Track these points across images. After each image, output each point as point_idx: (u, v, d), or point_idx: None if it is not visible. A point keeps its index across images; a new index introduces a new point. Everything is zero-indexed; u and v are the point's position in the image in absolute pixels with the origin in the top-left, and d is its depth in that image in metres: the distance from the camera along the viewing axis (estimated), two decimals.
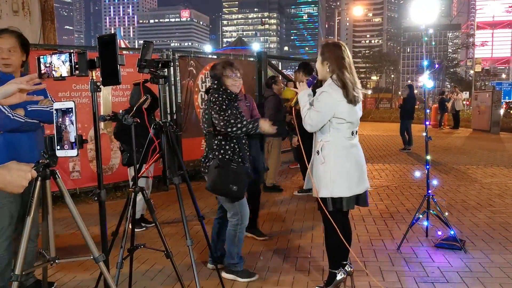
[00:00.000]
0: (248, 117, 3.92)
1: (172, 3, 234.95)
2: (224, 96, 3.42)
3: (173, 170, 2.90)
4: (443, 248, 4.25)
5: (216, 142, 3.45)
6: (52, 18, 7.82)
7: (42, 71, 1.92)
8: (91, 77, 1.97)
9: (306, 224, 5.18)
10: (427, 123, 4.49)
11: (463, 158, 10.26)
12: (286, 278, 3.68)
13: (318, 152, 3.18)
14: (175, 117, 7.50)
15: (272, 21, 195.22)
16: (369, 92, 57.04)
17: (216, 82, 3.51)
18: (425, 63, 4.58)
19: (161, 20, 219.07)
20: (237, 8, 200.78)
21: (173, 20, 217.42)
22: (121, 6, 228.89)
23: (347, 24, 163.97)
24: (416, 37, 76.12)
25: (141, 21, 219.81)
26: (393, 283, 3.54)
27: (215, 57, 10.26)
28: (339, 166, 3.10)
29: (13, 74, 2.94)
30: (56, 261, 1.97)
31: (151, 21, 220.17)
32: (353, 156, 3.16)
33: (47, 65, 1.92)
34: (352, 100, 3.07)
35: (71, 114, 1.74)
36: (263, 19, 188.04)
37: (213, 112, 3.39)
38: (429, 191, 4.44)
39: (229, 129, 3.35)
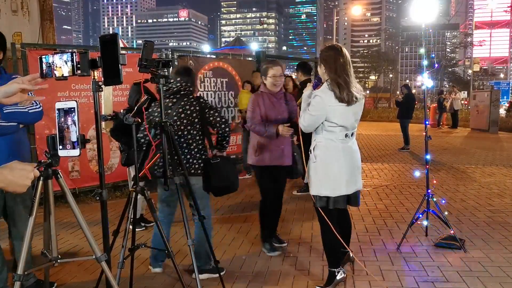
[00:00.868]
0: (285, 116, 4.05)
1: (171, 3, 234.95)
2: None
3: (174, 169, 2.90)
4: (443, 247, 4.26)
5: (200, 141, 3.55)
6: (51, 18, 7.80)
7: (44, 71, 1.91)
8: (92, 77, 1.97)
9: (306, 225, 5.18)
10: (427, 122, 4.50)
11: (462, 158, 10.28)
12: (286, 278, 3.68)
13: (310, 151, 3.32)
14: None
15: (271, 20, 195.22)
16: (367, 92, 57.08)
17: (189, 84, 3.57)
18: (425, 62, 4.59)
19: (159, 19, 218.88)
20: (235, 8, 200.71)
21: (171, 19, 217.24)
22: (119, 6, 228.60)
23: (346, 23, 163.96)
24: (414, 36, 76.30)
25: (139, 21, 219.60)
26: (393, 283, 3.55)
27: (214, 56, 10.27)
28: (327, 167, 3.22)
29: None
30: (58, 261, 1.97)
31: (149, 20, 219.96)
32: (343, 158, 3.23)
33: (49, 64, 1.91)
34: (343, 100, 3.12)
35: (73, 113, 1.74)
36: (262, 19, 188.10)
37: (212, 111, 3.54)
38: (429, 191, 4.45)
39: (224, 125, 3.57)
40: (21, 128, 3.07)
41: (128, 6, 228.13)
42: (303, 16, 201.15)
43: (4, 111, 2.84)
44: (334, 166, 3.21)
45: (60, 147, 1.78)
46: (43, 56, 1.93)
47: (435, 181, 5.50)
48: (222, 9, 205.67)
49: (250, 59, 9.53)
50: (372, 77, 75.31)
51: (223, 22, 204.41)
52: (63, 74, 1.92)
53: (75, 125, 1.74)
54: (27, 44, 6.30)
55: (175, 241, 4.53)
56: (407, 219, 5.15)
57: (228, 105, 8.34)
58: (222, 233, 4.92)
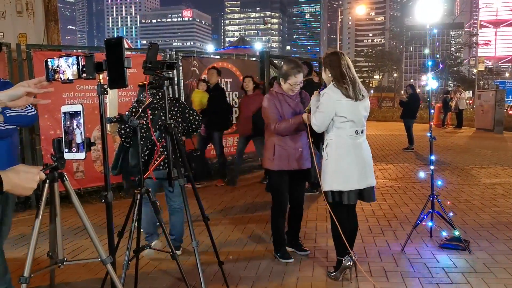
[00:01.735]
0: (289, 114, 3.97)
1: (175, 3, 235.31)
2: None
3: (179, 171, 2.91)
4: (448, 248, 4.25)
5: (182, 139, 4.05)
6: (56, 19, 7.83)
7: (50, 74, 1.93)
8: (98, 80, 1.98)
9: (310, 225, 5.17)
10: (432, 123, 4.49)
11: (467, 158, 10.25)
12: (290, 279, 3.68)
13: (323, 150, 3.53)
14: None
15: (274, 20, 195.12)
16: (371, 92, 56.98)
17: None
18: (429, 63, 4.57)
19: (163, 20, 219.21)
20: (239, 8, 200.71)
21: (175, 19, 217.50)
22: (123, 6, 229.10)
23: (349, 23, 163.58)
24: (419, 36, 76.04)
25: (143, 21, 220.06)
26: (398, 284, 3.54)
27: (218, 57, 10.28)
28: (338, 162, 3.41)
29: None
30: (64, 263, 1.98)
31: (154, 20, 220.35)
32: (353, 154, 3.43)
33: (55, 68, 1.93)
34: (351, 96, 3.37)
35: (79, 117, 1.75)
36: (265, 19, 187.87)
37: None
38: (433, 192, 4.44)
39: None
40: (17, 130, 3.11)
41: (132, 6, 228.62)
42: (307, 16, 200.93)
43: (7, 115, 2.86)
44: (345, 161, 3.40)
45: (66, 150, 1.80)
46: (48, 60, 1.94)
47: (439, 182, 5.49)
48: (226, 9, 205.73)
49: (253, 59, 9.54)
50: (376, 77, 75.17)
51: (227, 21, 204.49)
52: (68, 77, 1.93)
53: (81, 128, 1.76)
54: (32, 45, 6.33)
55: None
56: (411, 219, 5.15)
57: (233, 105, 8.34)
58: (227, 234, 4.92)
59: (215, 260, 3.35)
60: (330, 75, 3.47)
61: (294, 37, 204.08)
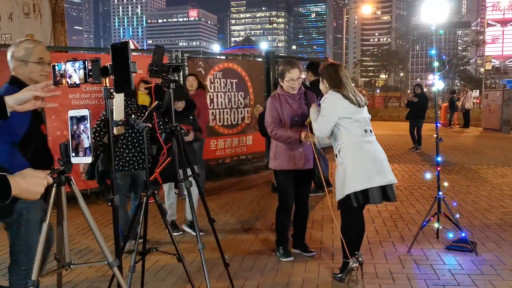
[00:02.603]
0: (304, 118, 3.97)
1: (180, 3, 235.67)
2: None
3: (184, 173, 2.92)
4: (454, 250, 4.23)
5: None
6: (63, 20, 7.90)
7: (57, 78, 1.95)
8: (104, 84, 1.99)
9: (316, 226, 5.17)
10: (438, 124, 4.47)
11: (473, 158, 10.19)
12: (296, 280, 3.69)
13: (336, 155, 3.50)
14: None
15: (280, 20, 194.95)
16: (377, 91, 56.79)
17: None
18: (436, 64, 4.55)
19: (169, 19, 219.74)
20: (244, 8, 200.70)
21: (181, 19, 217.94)
22: (129, 6, 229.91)
23: (355, 22, 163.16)
24: (425, 35, 75.67)
25: (149, 21, 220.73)
26: (404, 286, 3.54)
27: (224, 57, 10.29)
28: (354, 161, 3.38)
29: None
30: (71, 265, 1.99)
31: (160, 20, 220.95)
32: (367, 150, 3.42)
33: (62, 72, 1.94)
34: (352, 99, 3.40)
35: (86, 121, 1.77)
36: (271, 18, 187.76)
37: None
38: (440, 193, 4.42)
39: None
40: None
41: (139, 6, 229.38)
42: (313, 15, 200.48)
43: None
44: (361, 158, 3.38)
45: (73, 154, 1.81)
46: (55, 64, 1.96)
47: (446, 183, 5.47)
48: (231, 8, 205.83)
49: (259, 59, 9.54)
50: (382, 76, 74.93)
51: (233, 21, 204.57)
52: (75, 82, 1.95)
53: (87, 132, 1.77)
54: None
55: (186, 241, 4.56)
56: (417, 221, 5.13)
57: (238, 105, 8.35)
58: (233, 234, 4.93)
59: (220, 261, 3.36)
60: (327, 85, 3.53)
61: (300, 36, 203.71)
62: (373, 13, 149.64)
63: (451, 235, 4.45)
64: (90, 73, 1.92)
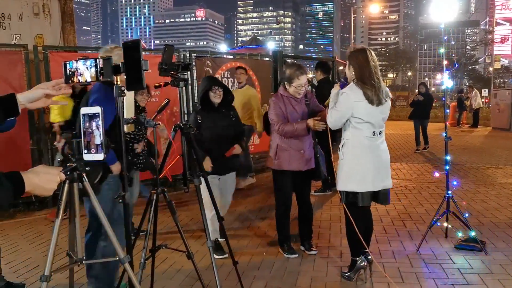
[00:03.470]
0: (305, 118, 3.98)
1: (188, 3, 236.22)
2: None
3: (194, 171, 2.94)
4: (463, 249, 4.21)
5: None
6: (72, 20, 7.95)
7: (68, 76, 1.97)
8: (115, 82, 2.01)
9: (324, 225, 5.17)
10: (447, 123, 4.45)
11: (483, 158, 10.12)
12: (304, 279, 3.69)
13: (339, 149, 3.47)
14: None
15: (287, 19, 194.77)
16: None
17: None
18: (445, 62, 4.53)
19: (176, 20, 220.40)
20: (252, 7, 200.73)
21: (188, 19, 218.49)
22: (137, 6, 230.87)
23: (363, 21, 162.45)
24: (434, 34, 75.14)
25: (157, 21, 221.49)
26: (413, 285, 3.53)
27: (231, 57, 10.31)
28: (353, 163, 3.36)
29: None
30: (83, 261, 2.02)
31: (167, 21, 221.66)
32: (370, 155, 3.36)
33: (73, 70, 1.96)
34: (372, 101, 3.27)
35: (98, 118, 1.79)
36: (278, 18, 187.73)
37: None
38: (449, 192, 4.40)
39: None
40: None
41: (146, 6, 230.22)
42: (320, 15, 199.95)
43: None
44: (360, 162, 3.34)
45: (85, 151, 1.83)
46: (67, 62, 1.98)
47: (455, 182, 5.43)
48: (238, 8, 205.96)
49: (266, 59, 9.54)
50: (390, 75, 74.58)
51: (240, 21, 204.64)
52: (86, 80, 1.97)
53: (100, 129, 1.79)
54: (49, 47, 6.44)
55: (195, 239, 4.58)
56: (426, 220, 5.11)
57: None
58: (240, 234, 4.94)
59: (229, 260, 3.37)
60: (353, 73, 3.36)
61: (307, 36, 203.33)
62: (380, 12, 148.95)
63: (460, 234, 4.43)
64: (102, 71, 1.93)
